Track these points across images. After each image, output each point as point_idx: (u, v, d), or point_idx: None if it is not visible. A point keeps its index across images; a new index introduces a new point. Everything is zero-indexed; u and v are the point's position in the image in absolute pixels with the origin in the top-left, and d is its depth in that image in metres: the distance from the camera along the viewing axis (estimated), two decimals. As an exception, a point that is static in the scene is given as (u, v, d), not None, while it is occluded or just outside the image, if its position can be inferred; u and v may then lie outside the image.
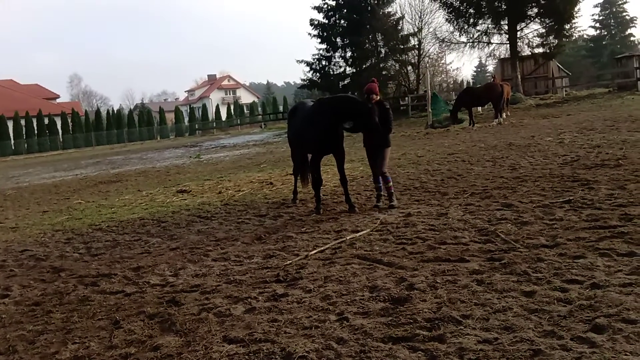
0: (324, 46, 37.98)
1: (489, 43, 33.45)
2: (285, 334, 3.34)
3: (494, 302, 3.45)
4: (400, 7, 50.09)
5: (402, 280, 4.09)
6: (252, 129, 54.36)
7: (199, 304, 4.10)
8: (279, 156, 17.45)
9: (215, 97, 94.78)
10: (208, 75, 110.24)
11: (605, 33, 75.50)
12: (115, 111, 65.45)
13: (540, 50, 31.98)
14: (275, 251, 5.41)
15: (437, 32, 34.85)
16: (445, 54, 41.77)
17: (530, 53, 32.95)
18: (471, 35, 33.04)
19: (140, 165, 21.76)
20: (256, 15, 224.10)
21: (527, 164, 9.20)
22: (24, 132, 52.92)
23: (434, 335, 3.09)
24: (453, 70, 51.58)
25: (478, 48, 33.98)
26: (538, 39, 31.63)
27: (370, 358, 2.92)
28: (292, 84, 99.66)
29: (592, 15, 75.68)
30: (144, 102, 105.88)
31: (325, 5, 37.19)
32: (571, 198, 6.17)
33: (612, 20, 75.45)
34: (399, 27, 36.27)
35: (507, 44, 32.44)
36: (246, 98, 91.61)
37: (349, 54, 37.81)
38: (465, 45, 33.68)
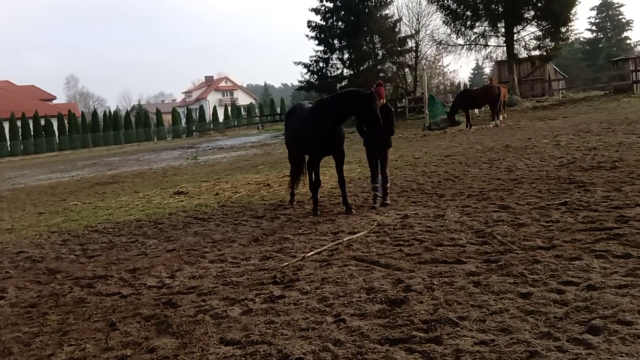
0: (321, 48, 38.06)
1: (485, 45, 33.52)
2: (282, 336, 3.34)
3: (490, 304, 3.46)
4: (397, 9, 50.29)
5: (399, 281, 4.09)
6: (250, 130, 54.32)
7: (195, 305, 4.09)
8: (276, 158, 17.45)
9: (213, 98, 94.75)
10: (205, 77, 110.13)
11: (602, 36, 75.88)
12: (112, 112, 65.44)
13: (537, 52, 32.06)
14: (272, 253, 5.41)
15: (434, 35, 34.97)
16: (442, 56, 41.83)
17: (527, 55, 33.04)
18: (468, 38, 33.10)
19: (137, 166, 21.72)
20: (254, 17, 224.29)
21: (524, 166, 9.23)
22: (20, 134, 52.74)
23: (431, 337, 3.09)
24: (450, 73, 51.86)
25: (475, 50, 34.05)
26: (535, 42, 31.69)
27: (367, 360, 2.92)
28: (290, 85, 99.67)
29: (589, 18, 76.16)
30: (141, 103, 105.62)
31: (323, 7, 37.25)
32: (567, 200, 6.19)
33: (609, 23, 75.82)
34: (397, 30, 36.39)
35: (504, 46, 32.51)
36: (243, 99, 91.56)
37: (346, 56, 37.89)
38: (462, 48, 33.74)
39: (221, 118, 69.00)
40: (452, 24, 32.62)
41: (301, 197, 8.45)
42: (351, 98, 6.88)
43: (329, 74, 38.25)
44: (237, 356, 3.15)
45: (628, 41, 74.11)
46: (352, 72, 37.47)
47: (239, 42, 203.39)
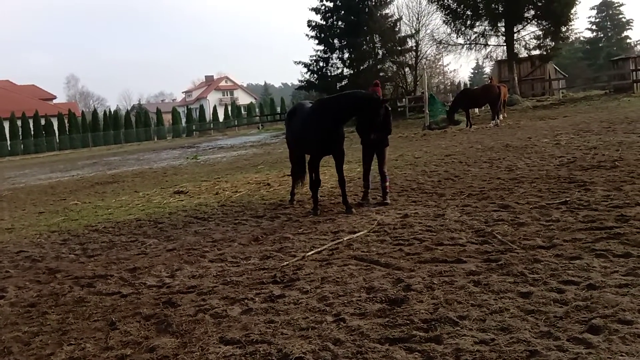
0: (321, 47, 38.04)
1: (486, 45, 33.50)
2: (282, 335, 3.33)
3: (490, 303, 3.46)
4: (397, 8, 50.18)
5: (399, 281, 4.08)
6: (250, 130, 54.31)
7: (195, 305, 4.08)
8: (276, 157, 17.45)
9: (213, 98, 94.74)
10: (205, 76, 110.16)
11: (602, 35, 75.90)
12: (112, 112, 65.47)
13: (537, 52, 32.04)
14: (272, 252, 5.41)
15: (434, 34, 34.97)
16: (442, 56, 41.86)
17: (527, 55, 33.03)
18: (468, 37, 33.08)
19: (137, 166, 21.71)
20: (254, 17, 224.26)
21: (524, 165, 9.22)
22: (20, 133, 52.76)
23: (431, 336, 3.09)
24: (450, 72, 51.90)
25: (475, 50, 34.03)
26: (535, 41, 31.66)
27: (367, 359, 2.92)
28: (290, 85, 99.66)
29: (589, 17, 76.25)
30: (141, 103, 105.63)
31: (323, 7, 37.23)
32: (567, 199, 6.18)
33: (609, 23, 75.83)
34: (397, 29, 36.38)
35: (504, 46, 32.49)
36: (243, 99, 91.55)
37: (346, 55, 37.86)
38: (463, 47, 33.72)
39: (221, 117, 69.01)
40: (452, 24, 32.60)
41: (301, 197, 8.44)
42: (358, 101, 6.83)
43: (329, 74, 38.23)
44: (237, 355, 3.15)
45: (628, 40, 74.17)
46: (352, 72, 37.45)
47: (239, 42, 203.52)
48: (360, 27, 35.66)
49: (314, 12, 37.46)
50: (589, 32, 75.77)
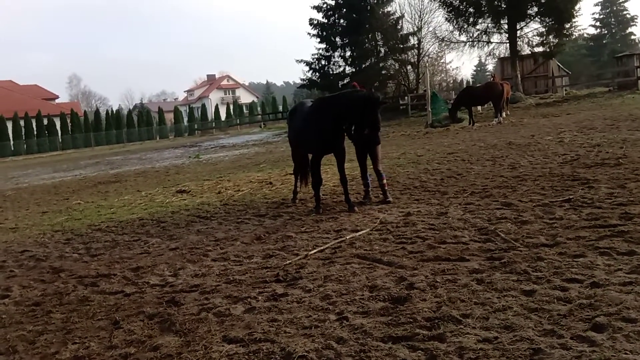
0: (323, 46, 37.98)
1: (488, 42, 33.41)
2: (285, 334, 3.34)
3: (493, 301, 3.45)
4: (399, 6, 50.25)
5: (402, 279, 4.08)
6: (252, 128, 54.34)
7: (198, 304, 4.09)
8: (278, 156, 17.45)
9: (215, 97, 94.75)
10: (207, 75, 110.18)
11: (606, 32, 75.59)
12: (115, 111, 65.52)
13: (540, 49, 31.95)
14: (274, 251, 5.41)
15: (436, 32, 34.87)
16: (444, 53, 41.80)
17: (530, 52, 32.92)
18: (471, 35, 32.99)
19: (139, 165, 21.75)
20: (255, 15, 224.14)
21: (527, 163, 9.20)
22: (23, 133, 52.88)
23: (434, 335, 3.09)
24: (453, 70, 51.86)
25: (478, 47, 33.93)
26: (538, 38, 31.60)
27: (370, 357, 2.92)
28: (292, 83, 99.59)
29: (593, 14, 75.87)
30: (143, 102, 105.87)
31: (325, 5, 37.17)
32: (571, 197, 6.16)
33: (613, 19, 75.52)
34: (399, 27, 36.28)
35: (506, 43, 32.40)
36: (245, 98, 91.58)
37: (348, 53, 37.80)
38: (465, 45, 33.63)
39: (223, 116, 69.08)
40: (454, 21, 32.53)
41: (304, 195, 8.45)
42: (357, 100, 6.82)
43: (331, 72, 38.18)
44: (240, 354, 3.15)
45: (632, 37, 73.91)
46: (354, 70, 37.38)
47: (240, 41, 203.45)
48: (362, 25, 35.58)
49: (315, 10, 37.41)
50: (593, 28, 75.51)
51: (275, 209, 7.84)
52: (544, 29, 31.08)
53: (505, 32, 31.91)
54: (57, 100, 68.18)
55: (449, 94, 34.84)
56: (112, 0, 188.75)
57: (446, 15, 32.95)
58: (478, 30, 32.71)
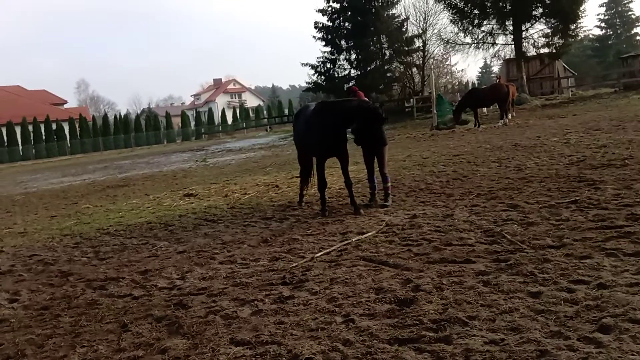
0: (328, 49, 38.05)
1: (493, 44, 33.28)
2: (291, 336, 3.35)
3: (500, 303, 3.45)
4: (404, 8, 49.95)
5: (408, 281, 4.09)
6: (258, 132, 54.43)
7: (206, 306, 4.12)
8: (284, 159, 17.49)
9: (221, 101, 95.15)
10: (214, 79, 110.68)
11: (611, 32, 75.12)
12: (123, 116, 65.92)
13: (546, 50, 31.79)
14: (281, 253, 5.43)
15: (441, 34, 34.72)
16: (450, 55, 41.68)
17: (535, 53, 32.76)
18: (476, 36, 32.87)
19: (147, 169, 21.87)
20: (261, 20, 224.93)
21: (533, 164, 9.17)
22: (32, 138, 53.36)
23: (440, 337, 3.09)
24: (458, 72, 51.45)
25: (483, 49, 33.78)
26: (543, 39, 31.41)
27: (377, 359, 2.93)
28: (297, 87, 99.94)
29: (598, 14, 75.39)
30: (151, 106, 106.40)
31: (330, 8, 37.25)
32: (577, 198, 6.15)
33: (618, 20, 75.05)
34: (404, 29, 36.24)
35: (512, 44, 32.27)
36: (252, 101, 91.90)
37: (353, 56, 37.84)
38: (470, 46, 33.50)
39: (230, 120, 69.27)
40: (459, 23, 32.44)
41: (310, 198, 8.47)
42: (357, 110, 6.96)
43: (337, 75, 38.21)
44: (247, 356, 3.17)
45: (638, 37, 73.34)
46: (359, 73, 37.41)
47: (246, 45, 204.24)
48: (367, 28, 35.62)
49: (320, 14, 37.50)
50: (598, 29, 75.09)
51: (281, 211, 7.86)
52: (549, 30, 30.94)
53: (510, 33, 31.79)
54: (65, 106, 68.72)
55: (455, 96, 34.76)
56: (121, 6, 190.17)
57: (451, 17, 32.86)
58: (483, 31, 32.62)
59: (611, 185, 6.60)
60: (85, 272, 5.70)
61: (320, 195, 7.40)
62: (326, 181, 7.48)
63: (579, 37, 36.33)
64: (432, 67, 35.65)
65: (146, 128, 63.03)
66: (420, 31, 35.76)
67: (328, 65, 38.18)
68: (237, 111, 71.97)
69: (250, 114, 72.65)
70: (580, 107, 22.43)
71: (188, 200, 10.39)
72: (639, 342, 2.76)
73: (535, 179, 7.76)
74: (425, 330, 3.19)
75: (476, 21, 32.06)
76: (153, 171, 20.17)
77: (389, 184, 7.49)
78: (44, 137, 53.86)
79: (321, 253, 5.21)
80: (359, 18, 36.11)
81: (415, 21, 36.05)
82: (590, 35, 73.12)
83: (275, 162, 17.00)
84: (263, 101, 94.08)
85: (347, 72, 38.30)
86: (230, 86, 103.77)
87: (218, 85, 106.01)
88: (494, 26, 32.22)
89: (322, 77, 38.29)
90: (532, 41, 31.97)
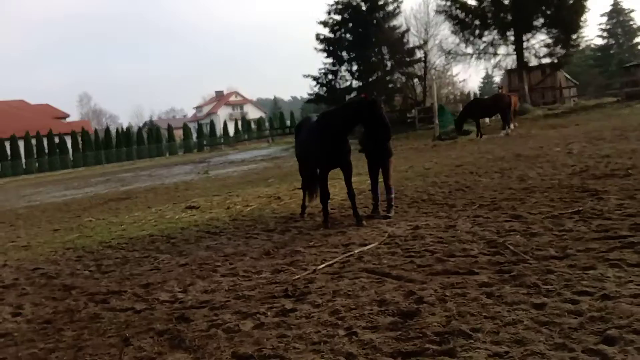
0: (330, 60, 38.32)
1: (495, 54, 33.45)
2: (294, 350, 3.33)
3: (504, 315, 3.43)
4: (405, 20, 50.22)
5: (411, 293, 4.07)
6: (260, 144, 54.62)
7: (208, 320, 4.10)
8: (286, 171, 17.51)
9: (223, 113, 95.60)
10: (215, 92, 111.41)
11: (613, 42, 75.44)
12: (125, 129, 66.21)
13: (548, 60, 31.96)
14: (283, 266, 5.42)
15: (442, 44, 34.98)
16: (451, 66, 41.82)
17: (537, 63, 32.92)
18: (477, 47, 33.06)
19: (149, 182, 21.92)
20: (262, 31, 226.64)
21: (536, 174, 9.16)
22: (35, 152, 53.65)
23: (444, 350, 3.07)
24: (459, 82, 51.65)
25: (484, 59, 33.97)
26: (545, 49, 31.59)
27: (380, 373, 2.91)
28: (299, 98, 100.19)
29: (599, 24, 75.85)
30: (153, 119, 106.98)
31: (331, 20, 37.57)
32: (580, 209, 6.12)
33: (620, 29, 75.40)
34: (405, 40, 36.49)
35: (513, 54, 32.43)
36: (253, 113, 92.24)
37: (355, 67, 38.09)
38: (472, 57, 33.68)
39: (232, 132, 69.60)
40: (460, 34, 32.67)
41: (312, 210, 8.46)
42: (354, 109, 6.97)
43: (338, 86, 38.44)
44: (249, 370, 3.15)
45: (639, 47, 73.57)
46: (361, 84, 37.61)
47: (248, 57, 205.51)
48: (369, 39, 35.87)
49: (322, 25, 37.83)
50: (600, 39, 75.45)
51: (283, 223, 7.86)
52: (550, 40, 31.09)
53: (511, 44, 31.96)
54: (68, 119, 69.17)
55: (457, 107, 34.85)
56: (123, 19, 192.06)
57: (452, 28, 33.11)
58: (484, 42, 32.81)
59: (614, 196, 6.57)
60: (87, 286, 5.70)
61: (322, 206, 7.40)
62: (329, 192, 7.48)
63: (581, 47, 36.47)
64: (433, 77, 35.85)
65: (148, 141, 63.32)
66: (422, 42, 36.02)
67: (330, 77, 38.43)
68: (239, 123, 72.26)
69: (252, 126, 72.92)
70: (582, 117, 22.45)
71: (190, 212, 10.39)
72: (644, 354, 2.73)
73: (538, 190, 7.74)
74: (429, 343, 3.17)
75: (477, 32, 32.27)
76: (155, 184, 20.21)
77: (393, 196, 7.50)
78: (46, 151, 54.15)
79: (323, 265, 5.20)
80: (360, 30, 36.37)
81: (417, 32, 36.35)
82: (592, 45, 73.46)
83: (277, 173, 17.03)
84: (265, 113, 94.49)
85: (348, 83, 38.53)
86: (232, 98, 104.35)
87: (220, 98, 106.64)
88: (495, 37, 32.43)
89: (324, 88, 38.50)
90: (533, 51, 32.17)
